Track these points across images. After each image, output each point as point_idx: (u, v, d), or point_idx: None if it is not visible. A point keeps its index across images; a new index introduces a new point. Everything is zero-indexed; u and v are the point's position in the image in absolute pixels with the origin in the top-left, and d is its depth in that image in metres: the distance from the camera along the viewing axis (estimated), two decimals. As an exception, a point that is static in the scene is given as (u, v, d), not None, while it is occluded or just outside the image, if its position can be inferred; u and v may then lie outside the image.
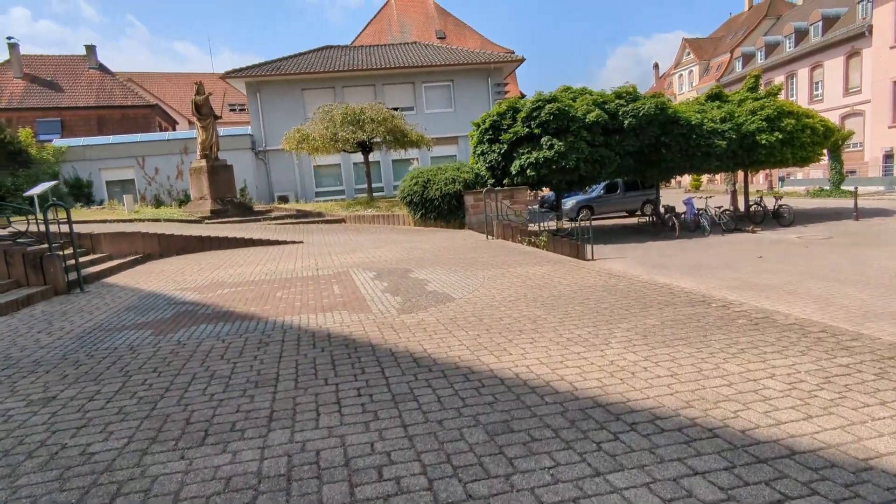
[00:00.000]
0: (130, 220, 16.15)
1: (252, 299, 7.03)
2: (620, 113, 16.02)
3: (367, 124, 18.48)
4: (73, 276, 8.80)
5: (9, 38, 33.22)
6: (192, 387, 3.92)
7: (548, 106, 15.59)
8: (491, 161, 16.53)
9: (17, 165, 22.83)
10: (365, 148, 19.89)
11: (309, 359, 4.41)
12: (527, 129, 15.81)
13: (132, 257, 11.58)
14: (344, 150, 20.10)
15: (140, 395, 3.81)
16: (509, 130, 16.12)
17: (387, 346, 4.65)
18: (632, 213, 24.15)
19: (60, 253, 8.15)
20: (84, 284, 8.61)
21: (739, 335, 4.41)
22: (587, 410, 3.14)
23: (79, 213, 18.98)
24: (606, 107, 16.09)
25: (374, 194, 22.57)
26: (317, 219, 18.38)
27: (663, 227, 17.50)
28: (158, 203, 24.07)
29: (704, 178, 42.35)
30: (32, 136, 24.34)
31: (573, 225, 13.16)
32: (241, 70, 25.05)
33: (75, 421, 3.43)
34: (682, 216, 17.54)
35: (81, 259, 10.51)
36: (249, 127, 26.39)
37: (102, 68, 36.27)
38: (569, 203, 23.29)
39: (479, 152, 17.07)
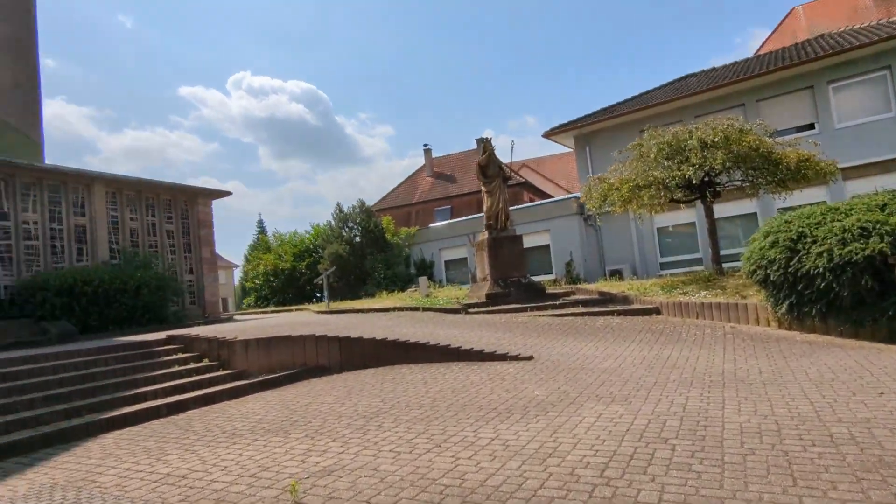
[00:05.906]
0: (385, 310, 13.72)
1: None
2: None
3: (693, 153, 11.34)
4: None
5: (424, 144, 39.69)
6: None
7: None
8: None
9: (377, 250, 24.74)
10: (702, 191, 12.56)
11: None
12: None
13: (282, 373, 8.43)
14: (673, 201, 13.25)
15: None
16: None
17: None
18: None
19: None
20: None
21: None
22: None
23: (356, 301, 18.22)
24: None
25: (732, 264, 14.36)
26: (619, 306, 12.04)
27: None
28: (485, 282, 21.98)
29: None
30: (392, 222, 26.34)
31: None
32: (566, 125, 21.17)
33: None
34: None
35: (195, 378, 7.87)
36: (579, 192, 21.93)
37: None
38: None
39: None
